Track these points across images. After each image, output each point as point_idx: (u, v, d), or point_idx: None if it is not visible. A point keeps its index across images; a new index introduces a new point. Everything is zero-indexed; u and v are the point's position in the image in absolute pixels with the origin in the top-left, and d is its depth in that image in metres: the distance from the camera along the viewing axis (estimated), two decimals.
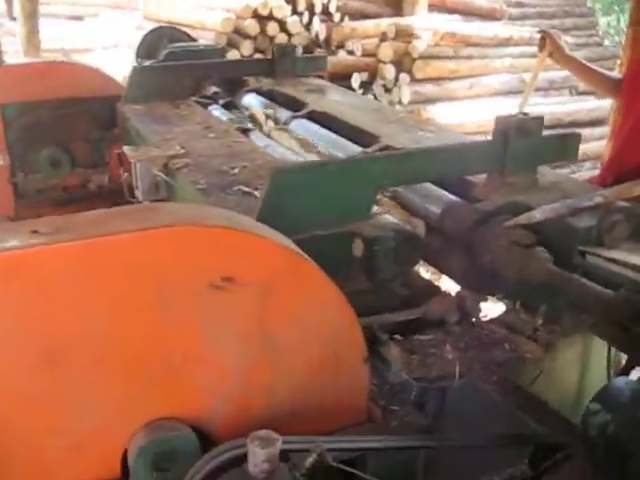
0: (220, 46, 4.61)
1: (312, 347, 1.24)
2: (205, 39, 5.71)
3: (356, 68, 6.54)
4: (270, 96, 3.03)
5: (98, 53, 7.67)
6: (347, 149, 2.26)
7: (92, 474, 1.18)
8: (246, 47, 6.38)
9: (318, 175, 1.61)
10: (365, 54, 6.59)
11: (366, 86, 6.53)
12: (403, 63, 6.36)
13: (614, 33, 12.03)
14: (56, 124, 2.99)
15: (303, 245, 1.27)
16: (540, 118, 1.83)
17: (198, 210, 1.34)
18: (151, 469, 1.16)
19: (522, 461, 1.28)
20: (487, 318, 1.61)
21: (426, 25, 6.58)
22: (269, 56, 3.38)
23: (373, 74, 6.52)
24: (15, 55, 6.34)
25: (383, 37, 6.51)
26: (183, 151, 2.18)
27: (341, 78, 5.92)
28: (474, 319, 1.59)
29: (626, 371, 1.36)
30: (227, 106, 3.08)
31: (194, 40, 3.89)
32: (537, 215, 1.62)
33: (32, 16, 6.04)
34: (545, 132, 1.87)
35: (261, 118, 2.68)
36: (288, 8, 6.57)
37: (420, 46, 6.27)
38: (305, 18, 6.81)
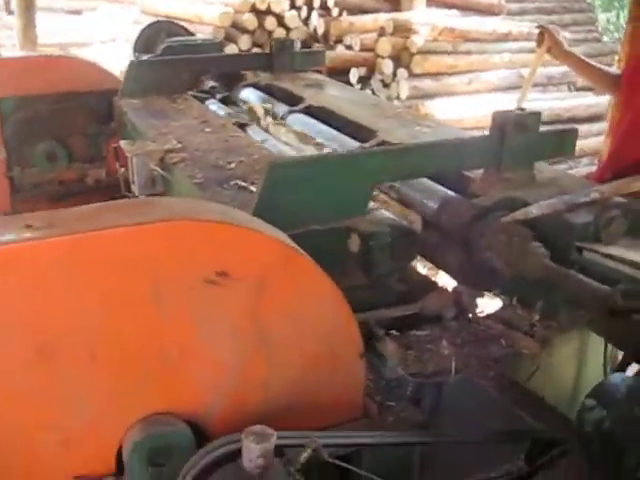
0: (218, 40, 4.60)
1: (308, 342, 1.24)
2: (203, 33, 5.70)
3: (354, 63, 6.53)
4: (268, 91, 3.02)
5: (96, 47, 7.64)
6: (344, 144, 2.26)
7: (87, 469, 1.18)
8: (244, 41, 6.37)
9: (315, 170, 1.60)
10: (363, 49, 6.58)
11: (364, 81, 6.52)
12: (401, 58, 6.35)
13: (613, 29, 12.01)
14: (53, 118, 2.97)
15: (299, 240, 1.27)
16: (537, 113, 1.83)
17: (193, 205, 1.33)
18: (146, 464, 1.15)
19: (518, 457, 1.28)
20: (484, 314, 1.60)
21: (424, 20, 6.57)
22: (267, 50, 3.37)
23: (371, 69, 6.51)
24: (12, 49, 6.32)
25: (381, 32, 6.50)
26: (180, 145, 2.17)
27: (339, 73, 5.92)
28: (471, 315, 1.58)
29: (622, 367, 1.36)
30: (224, 101, 3.07)
31: (192, 34, 3.87)
32: (534, 211, 1.61)
33: (29, 9, 6.02)
34: (543, 128, 1.86)
35: (259, 112, 2.67)
36: (286, 2, 6.55)
37: (418, 41, 6.26)
38: (303, 13, 6.79)
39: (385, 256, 1.57)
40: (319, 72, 3.36)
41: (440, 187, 1.86)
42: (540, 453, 1.20)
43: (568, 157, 5.56)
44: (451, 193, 1.83)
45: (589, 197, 1.68)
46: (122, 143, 2.24)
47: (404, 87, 6.24)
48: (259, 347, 1.21)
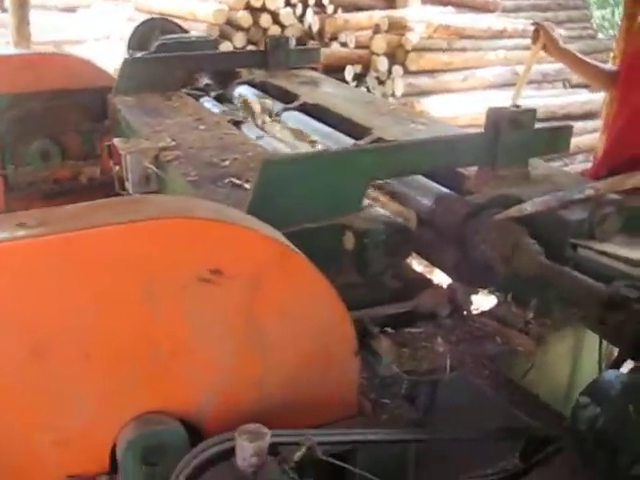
0: (212, 38, 4.57)
1: (302, 340, 1.24)
2: (197, 31, 5.68)
3: (349, 60, 6.52)
4: (262, 88, 3.01)
5: (90, 45, 7.62)
6: (339, 141, 2.25)
7: (81, 468, 1.18)
8: (239, 39, 6.35)
9: (309, 167, 1.60)
10: (358, 46, 6.56)
11: (359, 78, 6.51)
12: (396, 55, 6.34)
13: (608, 26, 12.02)
14: (47, 116, 2.96)
15: (293, 238, 1.26)
16: (532, 110, 1.83)
17: (186, 203, 1.33)
18: (140, 463, 1.15)
19: (513, 454, 1.28)
20: (478, 311, 1.60)
21: (419, 17, 6.56)
22: (262, 48, 3.36)
23: (366, 66, 6.50)
24: (7, 46, 6.28)
25: (376, 29, 6.49)
26: (174, 143, 2.16)
27: (334, 70, 5.90)
28: (465, 312, 1.58)
29: (617, 364, 1.35)
30: (219, 98, 3.06)
31: (186, 32, 3.86)
32: (528, 208, 1.61)
33: (22, 7, 5.98)
34: (538, 125, 1.86)
35: (255, 107, 2.66)
36: (281, 0, 6.54)
37: (413, 38, 6.25)
38: (298, 10, 6.78)
39: (380, 253, 1.57)
40: (314, 69, 3.35)
41: (434, 184, 1.86)
42: (535, 450, 1.20)
43: (563, 154, 5.56)
44: (445, 190, 1.82)
45: (583, 194, 1.68)
46: (116, 141, 2.23)
47: (399, 84, 6.23)
48: (253, 345, 1.20)
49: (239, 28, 6.41)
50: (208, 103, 2.92)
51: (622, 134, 2.77)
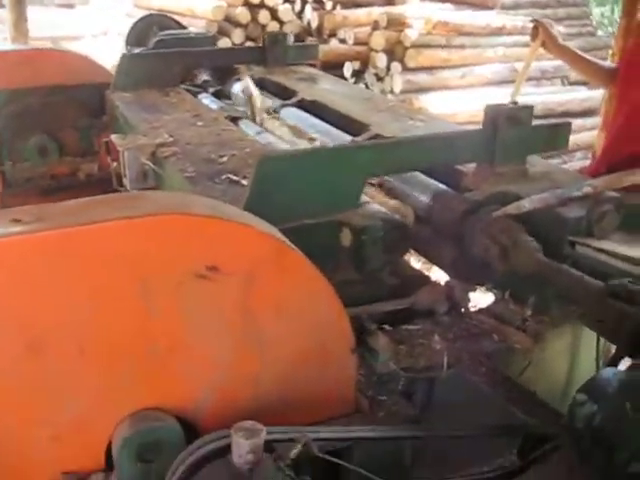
0: (211, 34, 4.58)
1: (299, 337, 1.23)
2: (196, 27, 5.67)
3: (348, 57, 6.52)
4: (261, 84, 3.00)
5: (87, 41, 7.60)
6: (337, 138, 2.25)
7: (76, 465, 1.18)
8: (237, 35, 6.35)
9: (306, 163, 1.59)
10: (357, 43, 6.56)
11: (358, 75, 6.51)
12: (395, 52, 6.34)
13: (608, 24, 12.01)
14: (45, 112, 2.95)
15: (291, 234, 1.26)
16: (530, 107, 1.82)
17: (182, 199, 1.32)
18: (135, 460, 1.15)
19: (511, 452, 1.27)
20: (476, 308, 1.60)
21: (418, 14, 6.55)
22: (260, 44, 3.35)
23: (365, 63, 6.49)
24: (4, 42, 6.27)
25: (375, 26, 6.48)
26: (171, 139, 2.16)
27: (333, 67, 5.90)
28: (463, 309, 1.58)
29: (615, 361, 1.35)
30: (217, 94, 3.05)
31: (184, 28, 3.85)
32: (526, 205, 1.61)
33: (20, 3, 5.97)
34: (537, 122, 1.86)
35: (258, 102, 2.63)
36: None
37: (412, 35, 6.24)
38: (297, 6, 6.77)
39: (377, 250, 1.57)
40: (312, 66, 3.35)
41: (432, 181, 1.86)
42: (532, 448, 1.20)
43: (561, 151, 5.56)
44: (443, 187, 1.82)
45: (582, 191, 1.68)
46: (113, 137, 2.22)
47: (398, 81, 6.23)
48: (249, 342, 1.20)
49: (237, 24, 6.41)
50: (206, 99, 2.91)
51: (621, 131, 2.76)
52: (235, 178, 1.82)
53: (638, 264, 1.52)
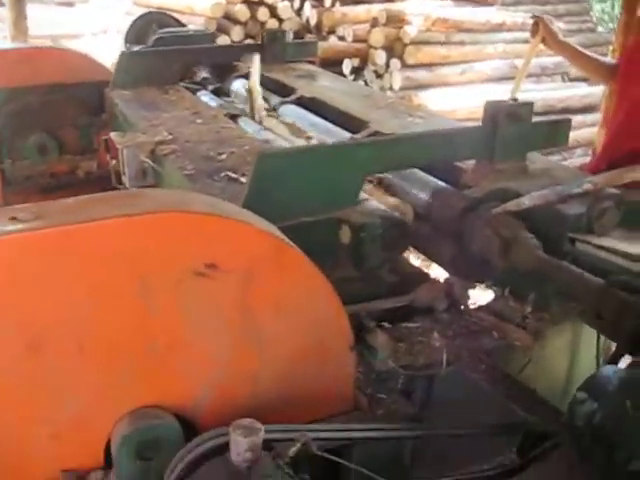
0: (210, 31, 4.57)
1: (297, 335, 1.23)
2: (195, 24, 5.66)
3: (347, 54, 6.50)
4: (260, 82, 2.99)
5: (87, 39, 7.59)
6: (336, 135, 2.24)
7: (75, 463, 1.18)
8: (236, 33, 6.34)
9: (305, 160, 1.59)
10: (356, 40, 6.55)
11: (357, 72, 6.50)
12: (394, 49, 6.32)
13: (608, 20, 11.98)
14: (44, 110, 2.95)
15: (289, 232, 1.26)
16: (530, 104, 1.82)
17: (181, 196, 1.32)
18: (134, 458, 1.15)
19: (511, 449, 1.27)
20: (475, 306, 1.60)
21: (417, 10, 6.53)
22: (259, 42, 3.34)
23: (364, 60, 6.48)
24: (4, 40, 6.27)
25: (374, 22, 6.46)
26: (170, 137, 2.15)
27: (332, 64, 5.89)
28: (462, 306, 1.57)
29: (615, 359, 1.35)
30: (216, 92, 3.05)
31: (183, 25, 3.84)
32: (526, 202, 1.60)
33: (19, 1, 5.96)
34: (537, 119, 1.85)
35: (258, 96, 2.61)
36: None
37: (411, 32, 6.23)
38: (296, 3, 6.76)
39: (376, 247, 1.56)
40: (312, 63, 3.34)
41: (432, 178, 1.85)
42: (532, 446, 1.20)
43: (562, 148, 5.55)
44: (442, 184, 1.82)
45: (582, 188, 1.67)
46: (112, 135, 2.22)
47: (397, 78, 6.21)
48: (248, 340, 1.20)
49: (237, 22, 6.40)
50: (205, 97, 2.91)
51: (622, 128, 2.76)
52: (234, 176, 1.82)
53: (638, 261, 1.52)
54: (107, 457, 1.18)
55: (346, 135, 2.22)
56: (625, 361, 1.27)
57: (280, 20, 6.58)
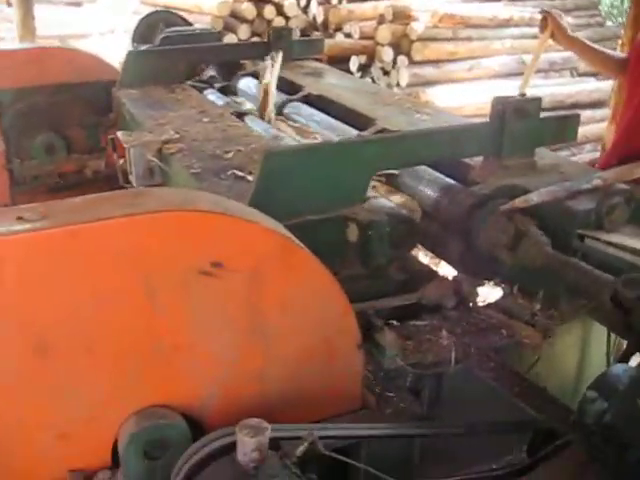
0: (216, 30, 4.56)
1: (304, 333, 1.23)
2: (202, 23, 5.66)
3: (354, 51, 6.49)
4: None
5: (95, 39, 7.61)
6: (343, 132, 2.24)
7: (83, 463, 1.18)
8: (243, 31, 6.33)
9: (312, 158, 1.58)
10: (363, 37, 6.53)
11: (364, 69, 6.48)
12: (401, 45, 6.30)
13: (617, 14, 11.90)
14: (51, 110, 2.96)
15: (296, 230, 1.25)
16: (538, 99, 1.80)
17: (186, 195, 1.31)
18: (142, 457, 1.15)
19: (520, 448, 1.26)
20: (484, 303, 1.58)
21: (424, 7, 6.51)
22: (266, 40, 3.34)
23: (371, 57, 6.46)
24: (13, 41, 6.29)
25: (381, 19, 6.44)
26: (177, 136, 2.15)
27: (339, 61, 5.87)
28: (471, 304, 1.56)
29: (626, 357, 1.33)
30: (223, 90, 3.04)
31: (190, 24, 3.84)
32: (534, 198, 1.59)
33: (27, 1, 5.98)
34: (546, 114, 1.84)
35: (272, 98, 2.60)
36: None
37: (418, 28, 6.20)
38: (303, 1, 6.75)
39: (384, 245, 1.55)
40: (318, 60, 3.33)
41: (439, 175, 1.84)
42: (542, 445, 1.18)
43: (570, 144, 5.52)
44: (450, 181, 1.80)
45: (591, 184, 1.66)
46: (119, 134, 2.22)
47: (404, 74, 6.19)
48: (255, 339, 1.19)
49: (243, 20, 6.39)
50: (212, 95, 2.91)
51: (631, 124, 2.73)
52: (240, 174, 1.82)
53: None
54: (114, 457, 1.18)
55: (353, 132, 2.22)
56: (636, 359, 1.26)
57: (287, 18, 6.57)
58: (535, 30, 3.21)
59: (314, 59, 3.30)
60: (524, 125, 1.76)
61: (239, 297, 1.16)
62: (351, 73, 6.11)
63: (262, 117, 2.55)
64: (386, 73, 6.35)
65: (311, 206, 1.53)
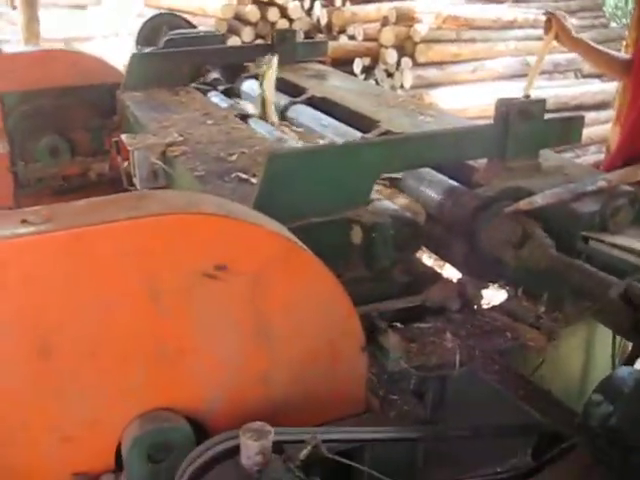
0: (220, 32, 4.57)
1: (308, 336, 1.22)
2: (205, 26, 5.67)
3: (358, 53, 6.48)
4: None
5: (99, 42, 7.63)
6: (347, 134, 2.23)
7: (87, 466, 1.17)
8: (247, 33, 6.33)
9: (315, 160, 1.58)
10: (367, 39, 6.52)
11: (368, 71, 6.48)
12: (405, 47, 6.29)
13: (621, 15, 11.87)
14: (56, 112, 2.97)
15: (300, 233, 1.25)
16: (542, 101, 1.80)
17: (190, 198, 1.31)
18: (145, 460, 1.14)
19: (525, 452, 1.25)
20: (488, 305, 1.58)
21: (428, 8, 6.50)
22: (269, 42, 3.34)
23: (375, 59, 6.45)
24: (18, 44, 6.32)
25: (385, 21, 6.44)
26: (181, 138, 2.16)
27: (343, 63, 5.86)
28: (475, 306, 1.56)
29: (631, 360, 1.33)
30: (227, 92, 3.05)
31: (194, 27, 3.85)
32: (539, 200, 1.59)
33: (31, 4, 6.01)
34: (550, 116, 1.83)
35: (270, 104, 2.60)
36: None
37: (422, 30, 6.20)
38: (306, 3, 6.75)
39: (388, 248, 1.55)
40: (322, 63, 3.33)
41: (443, 177, 1.84)
42: (547, 448, 1.18)
43: (575, 145, 5.51)
44: (454, 183, 1.80)
45: (595, 186, 1.65)
46: (123, 137, 2.23)
47: (408, 76, 6.19)
48: (259, 342, 1.19)
49: (247, 22, 6.39)
50: (216, 97, 2.91)
51: (636, 126, 2.73)
52: (244, 176, 1.82)
53: None
54: (118, 460, 1.18)
55: (357, 134, 2.21)
56: None
57: (290, 20, 6.57)
58: (539, 32, 3.20)
59: (318, 61, 3.30)
60: (528, 127, 1.76)
61: (243, 300, 1.16)
62: (355, 75, 6.11)
63: (265, 119, 2.56)
64: (390, 75, 6.34)
65: (315, 208, 1.53)
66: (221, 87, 3.10)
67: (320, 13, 6.73)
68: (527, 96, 1.91)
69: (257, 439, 0.99)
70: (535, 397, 1.47)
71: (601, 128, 6.32)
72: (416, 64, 6.22)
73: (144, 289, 1.11)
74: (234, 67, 3.24)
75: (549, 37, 2.89)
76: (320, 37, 6.46)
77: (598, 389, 1.05)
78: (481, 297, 1.58)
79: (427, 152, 1.71)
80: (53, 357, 1.09)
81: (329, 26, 6.73)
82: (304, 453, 1.03)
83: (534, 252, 1.54)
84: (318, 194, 1.55)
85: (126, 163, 2.31)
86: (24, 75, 2.87)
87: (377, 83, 6.22)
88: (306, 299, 1.20)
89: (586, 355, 1.79)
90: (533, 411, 1.40)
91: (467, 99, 6.14)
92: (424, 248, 1.80)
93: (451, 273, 1.78)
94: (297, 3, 6.62)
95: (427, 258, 2.27)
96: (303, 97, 2.67)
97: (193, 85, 2.96)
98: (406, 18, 6.34)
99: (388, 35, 6.32)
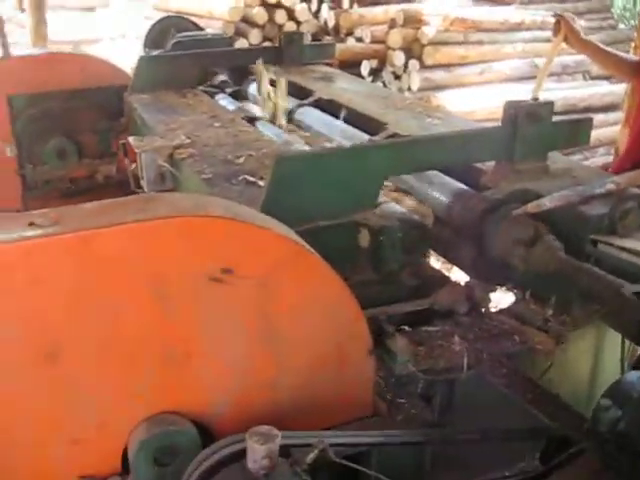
0: (227, 35, 4.58)
1: (316, 340, 1.22)
2: (213, 28, 5.68)
3: (365, 55, 6.48)
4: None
5: (106, 44, 7.66)
6: (354, 137, 2.23)
7: (93, 469, 1.17)
8: (254, 36, 6.34)
9: (323, 163, 1.58)
10: (374, 41, 6.52)
11: (375, 73, 6.47)
12: (412, 49, 6.28)
13: (630, 17, 11.83)
14: (64, 115, 2.98)
15: (308, 236, 1.25)
16: (550, 103, 1.79)
17: (197, 201, 1.31)
18: (152, 463, 1.14)
19: (533, 456, 1.25)
20: (496, 309, 1.57)
21: (435, 11, 6.49)
22: (277, 44, 3.35)
23: (382, 61, 6.45)
24: (26, 46, 6.35)
25: (392, 24, 6.43)
26: (188, 141, 2.16)
27: (350, 66, 5.87)
28: (483, 310, 1.55)
29: None
30: (235, 95, 3.05)
31: (201, 29, 3.86)
32: (547, 203, 1.58)
33: (39, 7, 6.05)
34: (558, 118, 1.82)
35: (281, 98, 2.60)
36: None
37: (429, 32, 6.19)
38: (314, 5, 6.75)
39: (396, 251, 1.55)
40: (329, 65, 3.33)
41: (451, 180, 1.83)
42: (555, 452, 1.17)
43: (583, 147, 5.49)
44: (462, 186, 1.80)
45: (604, 188, 1.64)
46: (131, 139, 2.23)
47: (415, 79, 6.18)
48: (266, 345, 1.19)
49: (254, 25, 6.40)
50: (223, 100, 2.91)
51: None
52: (252, 179, 1.82)
53: None
54: (124, 463, 1.18)
55: (364, 137, 2.21)
56: None
57: (298, 22, 6.58)
58: (547, 34, 3.19)
59: (325, 64, 3.31)
60: (536, 129, 1.75)
61: (250, 303, 1.16)
62: (362, 77, 6.11)
63: (273, 122, 2.56)
64: (397, 77, 6.34)
65: (322, 211, 1.52)
66: (228, 89, 3.11)
67: (327, 15, 6.73)
68: (535, 98, 1.90)
69: (264, 443, 0.98)
70: (543, 401, 1.46)
71: (610, 130, 6.29)
72: (423, 66, 6.21)
73: (151, 292, 1.11)
74: (241, 70, 3.25)
75: (558, 39, 2.88)
76: (327, 39, 6.45)
77: (607, 394, 1.04)
78: (489, 300, 1.57)
79: (435, 155, 1.71)
80: (60, 360, 1.09)
81: (336, 28, 6.73)
82: (311, 457, 1.03)
83: (543, 255, 1.53)
84: (326, 197, 1.55)
85: (133, 165, 2.31)
86: (32, 78, 2.88)
87: (384, 85, 6.22)
88: (314, 302, 1.20)
89: (594, 359, 1.78)
90: (541, 415, 1.40)
91: (475, 101, 6.12)
92: (432, 251, 1.79)
93: (459, 276, 1.78)
94: (304, 5, 6.62)
95: (435, 261, 2.27)
96: (310, 99, 2.67)
97: (200, 88, 2.97)
98: (413, 20, 6.33)
99: (395, 37, 6.31)
